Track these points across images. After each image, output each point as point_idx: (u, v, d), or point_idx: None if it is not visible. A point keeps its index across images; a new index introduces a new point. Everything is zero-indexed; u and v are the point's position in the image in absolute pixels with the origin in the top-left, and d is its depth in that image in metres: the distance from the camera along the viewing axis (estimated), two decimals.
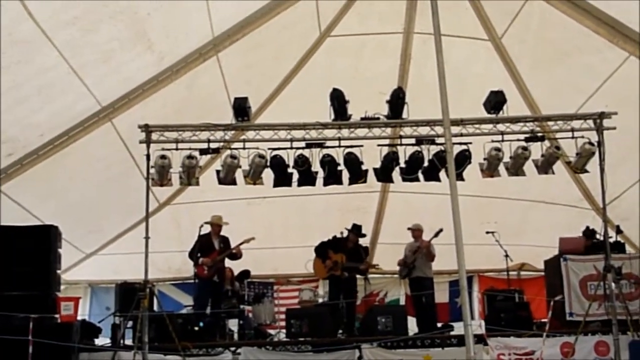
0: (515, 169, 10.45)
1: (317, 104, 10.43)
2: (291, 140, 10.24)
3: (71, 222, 11.15)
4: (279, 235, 14.46)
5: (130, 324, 9.52)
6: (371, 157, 10.48)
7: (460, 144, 10.17)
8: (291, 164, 10.23)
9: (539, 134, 10.35)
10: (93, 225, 12.98)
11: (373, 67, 12.21)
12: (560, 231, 11.43)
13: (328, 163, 10.27)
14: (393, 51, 12.09)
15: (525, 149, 10.16)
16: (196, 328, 10.30)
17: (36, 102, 9.50)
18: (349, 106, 10.16)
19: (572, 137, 10.11)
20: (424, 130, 10.38)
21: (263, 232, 12.86)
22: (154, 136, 9.91)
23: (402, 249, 12.02)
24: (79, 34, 8.92)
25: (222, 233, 11.35)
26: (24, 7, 8.01)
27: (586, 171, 10.41)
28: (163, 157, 9.89)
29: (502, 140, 10.20)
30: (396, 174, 10.67)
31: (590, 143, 9.93)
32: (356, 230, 11.89)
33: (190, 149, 10.09)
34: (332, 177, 10.44)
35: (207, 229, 11.22)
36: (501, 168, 10.46)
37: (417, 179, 10.61)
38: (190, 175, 10.24)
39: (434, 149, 10.29)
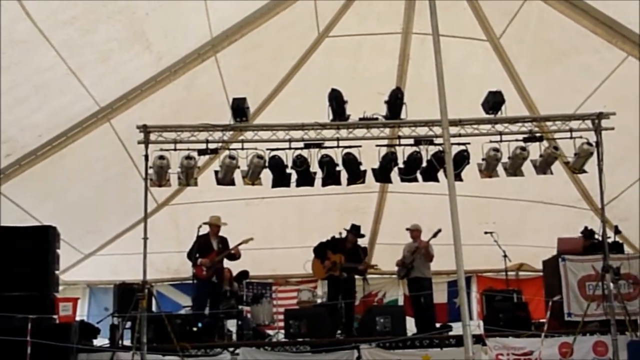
0: (514, 169, 10.45)
1: (315, 105, 10.42)
2: (290, 141, 10.23)
3: (69, 222, 11.13)
4: (278, 235, 14.45)
5: (128, 324, 9.50)
6: (370, 157, 10.49)
7: (459, 144, 10.18)
8: (290, 164, 10.23)
9: (538, 134, 10.35)
10: (91, 225, 12.97)
11: (371, 67, 12.21)
12: (559, 231, 11.42)
13: (326, 163, 10.27)
14: (391, 51, 12.09)
15: (523, 149, 10.16)
16: (195, 328, 10.31)
17: (34, 102, 9.50)
18: (347, 106, 10.16)
19: (571, 138, 10.11)
20: (422, 131, 10.38)
21: (262, 232, 12.87)
22: (153, 137, 9.91)
23: (400, 250, 12.02)
24: (77, 34, 8.91)
25: (220, 233, 11.33)
26: (22, 7, 8.01)
27: (584, 171, 10.41)
28: (161, 157, 9.89)
29: (501, 141, 10.19)
30: (395, 175, 10.66)
31: (589, 143, 9.93)
32: (355, 230, 11.89)
33: (188, 149, 10.09)
34: (331, 178, 10.44)
35: (205, 229, 11.20)
36: (499, 168, 10.45)
37: (416, 180, 10.61)
38: (188, 176, 10.24)
39: (433, 149, 10.29)
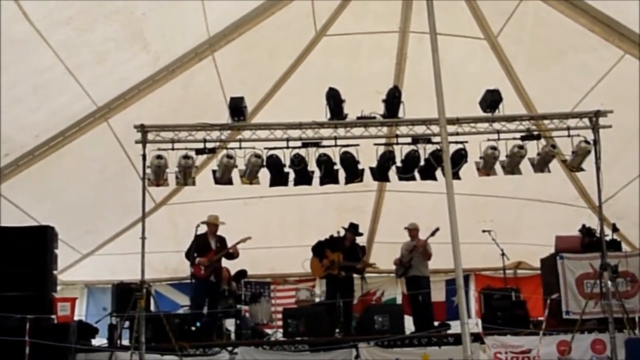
0: (511, 167, 10.45)
1: (313, 104, 10.42)
2: (287, 140, 10.22)
3: (67, 222, 11.14)
4: (276, 234, 14.45)
5: (127, 324, 9.51)
6: (367, 156, 10.48)
7: (456, 142, 10.18)
8: (287, 163, 10.22)
9: (535, 133, 10.35)
10: (89, 225, 12.96)
11: (369, 66, 12.21)
12: (557, 229, 11.44)
13: (324, 162, 10.26)
14: (389, 50, 12.09)
15: (521, 147, 10.17)
16: (193, 328, 10.30)
17: (32, 102, 9.50)
18: (345, 105, 10.15)
19: (568, 136, 10.10)
20: (420, 129, 10.37)
21: (260, 231, 12.86)
22: (150, 136, 9.89)
23: (398, 248, 12.03)
24: (74, 34, 8.91)
25: (218, 233, 11.34)
26: (19, 7, 8.00)
27: (582, 169, 10.41)
28: (159, 157, 9.87)
29: (498, 139, 10.18)
30: (392, 173, 10.66)
31: (586, 141, 9.92)
32: (353, 229, 11.89)
33: (186, 148, 10.07)
34: (329, 177, 10.43)
35: (203, 228, 11.19)
36: (497, 167, 10.45)
37: (414, 178, 10.61)
38: (186, 175, 10.23)
39: (430, 147, 10.28)
